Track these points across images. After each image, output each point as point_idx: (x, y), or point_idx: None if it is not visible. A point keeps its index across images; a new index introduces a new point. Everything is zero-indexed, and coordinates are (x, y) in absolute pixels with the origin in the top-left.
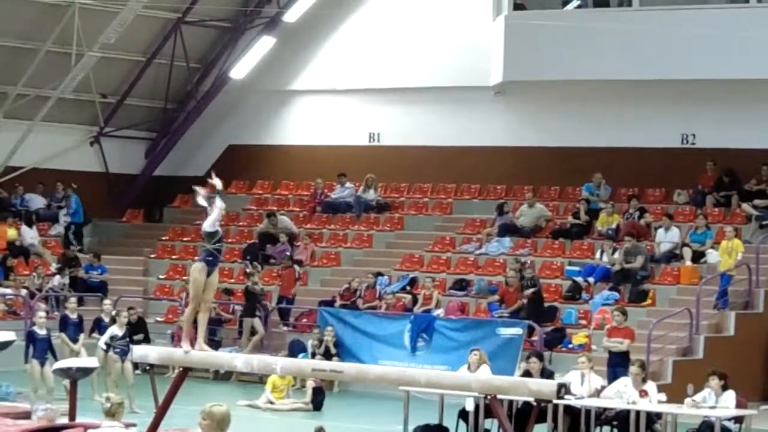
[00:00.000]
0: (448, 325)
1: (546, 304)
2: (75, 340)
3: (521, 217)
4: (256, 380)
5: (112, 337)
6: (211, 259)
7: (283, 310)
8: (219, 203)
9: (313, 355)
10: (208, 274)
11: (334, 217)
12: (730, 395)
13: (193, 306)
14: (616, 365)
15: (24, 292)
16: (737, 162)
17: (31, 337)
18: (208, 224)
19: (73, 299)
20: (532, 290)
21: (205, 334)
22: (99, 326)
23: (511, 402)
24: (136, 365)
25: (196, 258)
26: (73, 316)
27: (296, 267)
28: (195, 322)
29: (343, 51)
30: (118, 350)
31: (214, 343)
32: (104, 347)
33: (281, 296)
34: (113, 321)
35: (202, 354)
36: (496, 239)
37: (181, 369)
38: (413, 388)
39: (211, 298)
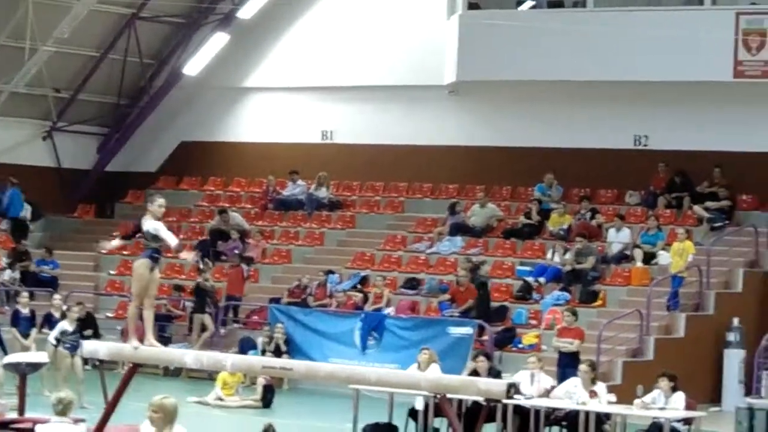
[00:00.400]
0: (399, 323)
1: (496, 304)
2: (26, 335)
3: (473, 216)
4: (205, 377)
5: (63, 333)
6: (156, 256)
7: (231, 308)
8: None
9: (264, 353)
10: (151, 270)
11: (285, 215)
12: (679, 397)
13: (138, 302)
14: (566, 366)
15: None
16: (689, 164)
17: None
18: (152, 227)
19: (26, 294)
20: (478, 281)
21: (154, 330)
22: (49, 321)
23: (460, 401)
24: (86, 361)
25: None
26: (25, 311)
27: (244, 266)
28: (141, 318)
29: (297, 48)
30: (68, 345)
31: (164, 339)
32: (54, 342)
33: (229, 295)
34: (64, 316)
35: (152, 350)
36: (447, 238)
37: (131, 365)
38: (363, 386)
39: (155, 294)
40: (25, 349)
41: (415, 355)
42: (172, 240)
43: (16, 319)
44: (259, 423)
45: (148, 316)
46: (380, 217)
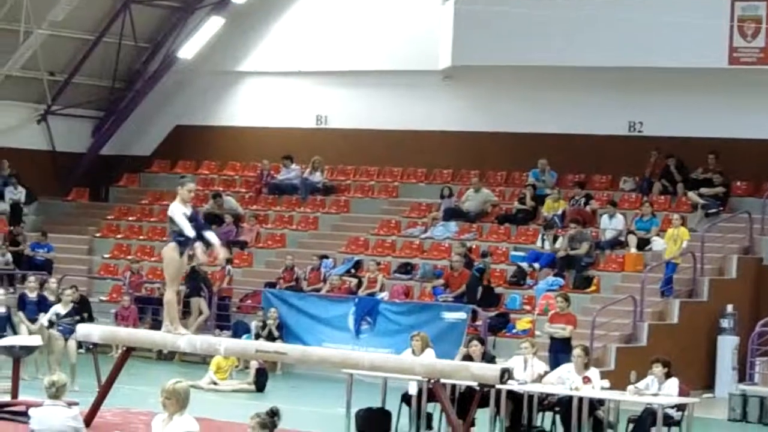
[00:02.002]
0: (393, 308)
1: (484, 287)
2: (33, 320)
3: (467, 201)
4: (199, 361)
5: (56, 315)
6: (182, 239)
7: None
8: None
9: (257, 337)
10: (180, 254)
11: (279, 199)
12: (672, 383)
13: (174, 288)
14: (558, 351)
15: None
16: (684, 150)
17: None
18: (171, 212)
19: (33, 278)
20: (475, 269)
21: (178, 317)
22: (43, 304)
23: (453, 386)
24: (79, 344)
25: (141, 237)
26: (32, 295)
27: (228, 268)
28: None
29: (292, 33)
30: (61, 328)
31: (157, 323)
32: (47, 325)
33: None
34: (58, 299)
35: (145, 333)
36: (441, 223)
37: (124, 348)
38: (356, 371)
39: (179, 280)
40: (32, 333)
41: (409, 340)
42: (186, 230)
43: (22, 303)
44: (253, 407)
45: (172, 302)
46: (374, 202)
